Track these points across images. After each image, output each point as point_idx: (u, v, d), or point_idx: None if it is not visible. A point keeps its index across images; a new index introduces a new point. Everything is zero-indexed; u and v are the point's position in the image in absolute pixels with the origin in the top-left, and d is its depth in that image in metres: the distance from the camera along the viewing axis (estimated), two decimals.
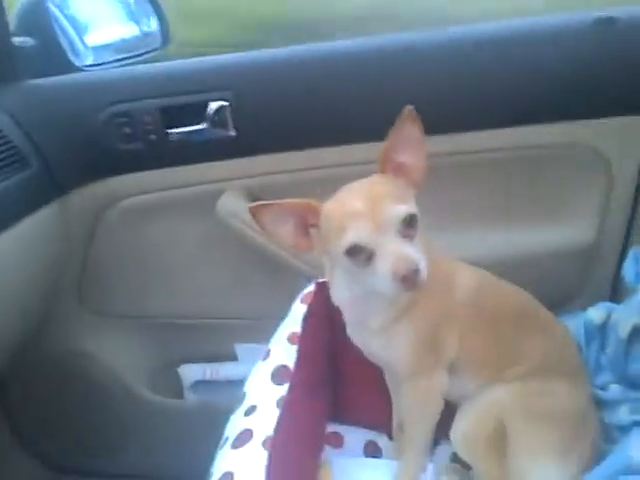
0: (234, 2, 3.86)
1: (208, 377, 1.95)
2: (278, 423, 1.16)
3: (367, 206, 0.96)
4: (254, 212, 1.03)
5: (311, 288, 1.47)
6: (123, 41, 2.09)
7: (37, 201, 1.57)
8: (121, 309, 1.89)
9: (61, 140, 1.63)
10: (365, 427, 1.44)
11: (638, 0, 1.63)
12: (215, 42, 3.26)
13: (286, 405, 1.21)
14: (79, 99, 1.66)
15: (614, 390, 1.30)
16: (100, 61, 1.95)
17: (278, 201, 1.04)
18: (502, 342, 1.21)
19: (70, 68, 1.78)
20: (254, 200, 1.64)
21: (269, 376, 1.28)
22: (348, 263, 0.99)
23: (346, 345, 1.25)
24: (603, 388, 1.33)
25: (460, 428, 1.20)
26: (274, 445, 1.11)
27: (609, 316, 1.37)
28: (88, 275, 1.81)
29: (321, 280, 1.43)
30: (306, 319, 1.40)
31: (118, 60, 1.95)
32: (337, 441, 1.40)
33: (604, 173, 1.62)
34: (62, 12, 1.90)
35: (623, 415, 1.25)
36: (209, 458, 1.16)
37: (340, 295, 1.17)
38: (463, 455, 1.20)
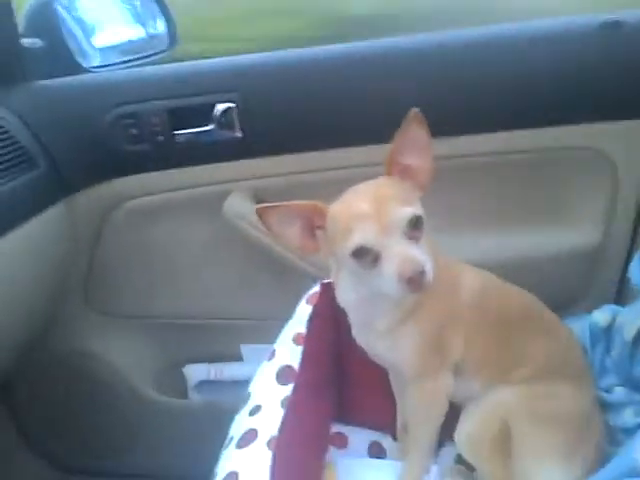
0: None
1: (212, 377, 1.95)
2: (283, 423, 1.17)
3: (373, 208, 0.96)
4: (261, 214, 1.04)
5: (316, 289, 1.47)
6: (130, 43, 2.10)
7: (44, 201, 1.58)
8: (127, 309, 1.89)
9: (68, 141, 1.64)
10: (369, 428, 1.44)
11: None
12: (294, 36, 3.24)
13: (291, 405, 1.21)
14: (86, 100, 1.67)
15: (619, 393, 1.30)
16: (107, 62, 1.96)
17: (284, 203, 1.04)
18: (507, 344, 1.21)
19: (77, 69, 1.79)
20: (260, 201, 1.65)
21: (274, 376, 1.29)
22: (354, 265, 0.99)
23: (351, 346, 1.25)
24: (608, 391, 1.32)
25: (464, 430, 1.20)
26: (279, 445, 1.12)
27: (614, 319, 1.37)
28: (94, 275, 1.82)
29: (326, 281, 1.43)
30: (311, 320, 1.40)
31: (125, 62, 1.95)
32: (341, 442, 1.40)
33: (610, 176, 1.62)
34: (69, 13, 1.91)
35: (628, 418, 1.25)
36: (214, 458, 1.17)
37: (346, 297, 1.17)
38: (467, 457, 1.19)
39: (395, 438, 1.42)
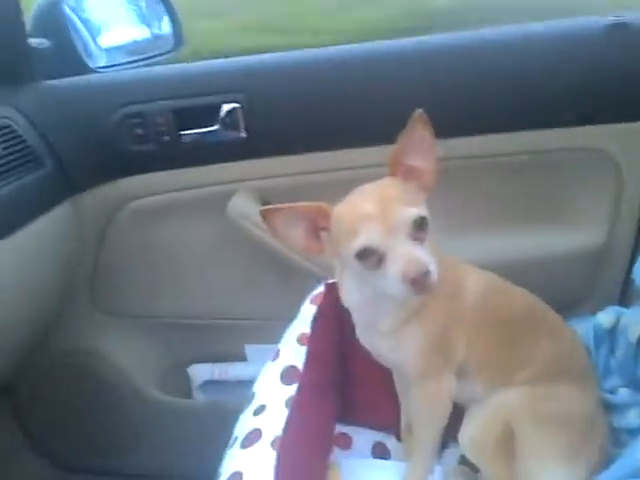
0: None
1: (217, 377, 1.95)
2: (287, 423, 1.17)
3: (378, 209, 0.96)
4: (265, 216, 1.03)
5: (321, 289, 1.47)
6: (136, 43, 2.11)
7: (51, 201, 1.59)
8: (132, 309, 1.90)
9: (75, 140, 1.64)
10: (373, 428, 1.43)
11: None
12: (380, 28, 3.22)
13: (295, 405, 1.21)
14: (93, 100, 1.68)
15: (623, 394, 1.30)
16: (113, 63, 1.97)
17: (289, 205, 1.04)
18: (510, 345, 1.21)
19: (84, 69, 1.80)
20: (265, 201, 1.66)
21: (278, 376, 1.29)
22: (359, 266, 0.99)
23: (355, 346, 1.25)
24: (612, 392, 1.32)
25: (468, 431, 1.19)
26: (283, 445, 1.12)
27: (618, 320, 1.37)
28: (100, 275, 1.82)
29: (330, 281, 1.43)
30: (315, 320, 1.40)
31: (131, 62, 1.96)
32: (345, 442, 1.40)
33: (614, 177, 1.62)
34: (76, 14, 1.92)
35: (632, 419, 1.25)
36: (218, 458, 1.17)
37: (350, 297, 1.17)
38: (471, 458, 1.19)
39: (399, 439, 1.42)
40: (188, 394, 1.97)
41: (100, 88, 1.71)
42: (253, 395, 1.29)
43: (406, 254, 0.95)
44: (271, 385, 1.28)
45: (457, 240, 1.47)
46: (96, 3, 2.05)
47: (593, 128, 1.59)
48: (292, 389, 1.25)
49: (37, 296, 1.63)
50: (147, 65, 1.94)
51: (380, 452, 1.40)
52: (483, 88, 1.58)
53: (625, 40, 1.54)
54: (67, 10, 1.84)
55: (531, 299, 1.28)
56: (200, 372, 1.96)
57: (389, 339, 1.16)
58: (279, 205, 1.05)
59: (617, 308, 1.42)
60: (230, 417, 1.26)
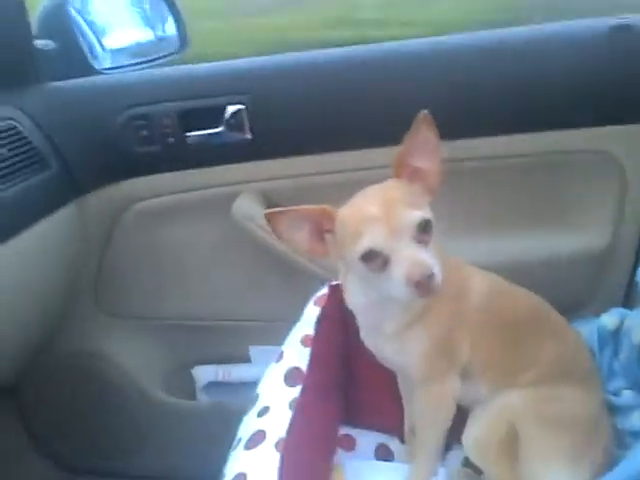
0: None
1: (221, 379, 1.95)
2: (291, 425, 1.17)
3: (382, 211, 0.96)
4: (270, 218, 1.03)
5: (324, 291, 1.47)
6: (140, 45, 2.11)
7: (56, 202, 1.59)
8: (136, 311, 1.90)
9: (80, 142, 1.65)
10: (377, 430, 1.44)
11: None
12: (470, 20, 3.20)
13: (299, 407, 1.21)
14: (98, 102, 1.69)
15: (627, 396, 1.30)
16: (118, 64, 1.98)
17: (293, 207, 1.04)
18: (514, 347, 1.21)
19: (89, 71, 1.80)
20: (269, 203, 1.66)
21: (282, 378, 1.29)
22: (363, 268, 0.99)
23: (359, 348, 1.25)
24: (616, 394, 1.32)
25: (472, 433, 1.20)
26: (286, 447, 1.12)
27: (622, 322, 1.37)
28: (104, 276, 1.83)
29: (334, 283, 1.43)
30: (319, 322, 1.40)
31: (137, 63, 1.97)
32: (349, 444, 1.40)
33: (618, 179, 1.62)
34: (82, 16, 1.93)
35: (636, 421, 1.25)
36: (222, 459, 1.17)
37: (354, 300, 1.17)
38: (475, 460, 1.19)
39: (403, 441, 1.42)
40: (192, 395, 1.97)
41: (106, 90, 1.72)
42: (257, 396, 1.29)
43: (410, 257, 0.95)
44: (275, 387, 1.29)
45: (461, 242, 1.47)
46: (101, 5, 2.07)
47: (597, 130, 1.59)
48: (296, 391, 1.25)
49: (42, 297, 1.63)
50: (152, 67, 1.95)
51: (384, 454, 1.40)
52: (487, 90, 1.58)
53: (628, 42, 1.54)
54: (72, 12, 1.85)
55: (535, 301, 1.28)
56: (204, 373, 1.96)
57: (393, 342, 1.16)
58: (283, 208, 1.05)
59: (621, 310, 1.42)
60: (234, 418, 1.26)
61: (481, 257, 1.35)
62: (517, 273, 1.27)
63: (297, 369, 1.30)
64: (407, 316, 1.13)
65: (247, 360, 1.89)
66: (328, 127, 1.63)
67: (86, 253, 1.76)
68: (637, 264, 1.64)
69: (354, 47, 1.68)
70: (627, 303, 1.65)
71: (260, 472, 1.08)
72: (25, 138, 1.54)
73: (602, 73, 1.55)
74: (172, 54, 2.02)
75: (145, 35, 2.15)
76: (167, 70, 1.81)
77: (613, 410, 1.29)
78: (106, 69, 1.89)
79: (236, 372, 1.93)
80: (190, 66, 1.75)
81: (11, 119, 1.54)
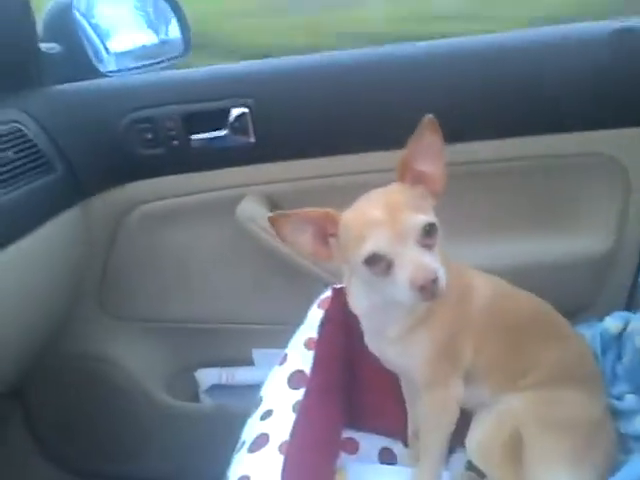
0: None
1: (224, 381, 1.96)
2: (294, 428, 1.17)
3: (386, 215, 0.96)
4: (273, 222, 1.04)
5: (328, 294, 1.47)
6: (143, 48, 2.12)
7: (60, 205, 1.60)
8: (140, 313, 1.91)
9: (85, 145, 1.65)
10: (380, 434, 1.44)
11: None
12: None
13: (302, 410, 1.21)
14: (103, 105, 1.69)
15: (630, 400, 1.30)
16: (122, 67, 1.99)
17: (297, 211, 1.04)
18: (518, 350, 1.21)
19: (94, 74, 1.81)
20: (273, 206, 1.67)
21: (285, 381, 1.29)
22: (367, 272, 0.99)
23: (363, 352, 1.26)
24: (619, 398, 1.32)
25: (475, 436, 1.20)
26: (290, 450, 1.12)
27: (626, 325, 1.38)
28: (108, 279, 1.83)
29: (338, 286, 1.44)
30: (323, 325, 1.40)
31: (142, 66, 1.98)
32: (352, 447, 1.41)
33: (621, 182, 1.62)
34: (86, 19, 1.93)
35: (639, 425, 1.25)
36: (226, 462, 1.17)
37: (358, 304, 1.17)
38: (478, 463, 1.19)
39: (406, 444, 1.42)
40: (195, 398, 1.97)
41: (110, 93, 1.72)
42: (260, 399, 1.29)
43: (414, 260, 0.95)
44: (278, 389, 1.29)
45: (463, 245, 1.47)
46: (106, 8, 2.07)
47: (600, 133, 1.59)
48: (299, 393, 1.25)
49: (46, 300, 1.64)
50: (157, 70, 1.96)
51: (387, 457, 1.41)
52: (489, 93, 1.58)
53: (631, 44, 1.54)
54: (77, 15, 1.86)
55: (539, 304, 1.28)
56: (207, 376, 1.96)
57: (397, 345, 1.17)
58: (287, 211, 1.05)
59: (624, 313, 1.43)
60: (237, 421, 1.26)
61: (483, 261, 1.35)
62: (520, 276, 1.27)
63: (300, 372, 1.30)
64: (410, 320, 1.13)
65: (251, 363, 1.89)
66: (331, 130, 1.63)
67: (90, 256, 1.77)
68: None
69: (357, 51, 1.68)
70: (630, 306, 1.64)
71: (263, 475, 1.09)
72: (30, 141, 1.54)
73: (605, 76, 1.55)
74: (176, 57, 2.03)
75: (149, 38, 2.16)
76: (171, 73, 1.82)
77: (616, 414, 1.29)
78: (111, 72, 1.90)
79: (240, 375, 1.93)
80: (194, 69, 1.75)
81: (16, 122, 1.54)
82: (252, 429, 1.21)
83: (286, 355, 1.37)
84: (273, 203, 1.69)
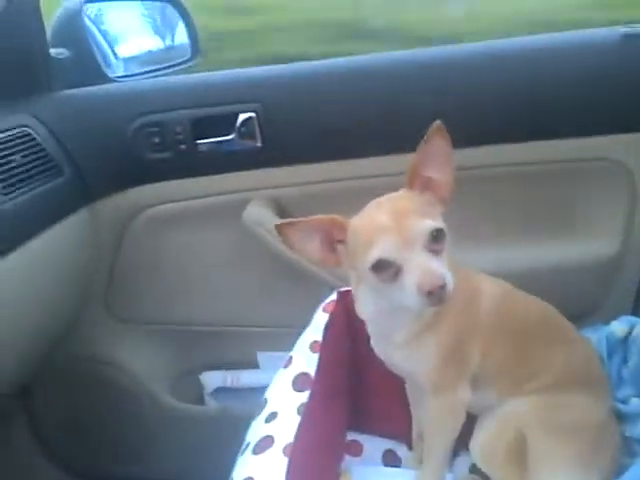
0: None
1: (229, 384, 1.95)
2: (298, 430, 1.17)
3: (394, 221, 0.96)
4: (281, 230, 1.03)
5: (333, 297, 1.47)
6: (152, 53, 2.14)
7: (68, 208, 1.61)
8: (146, 317, 1.91)
9: (93, 149, 1.66)
10: (384, 436, 1.44)
11: None
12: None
13: (306, 412, 1.21)
14: (111, 109, 1.70)
15: (635, 403, 1.30)
16: (130, 72, 2.00)
17: (304, 218, 1.04)
18: (524, 353, 1.21)
19: (103, 79, 1.82)
20: (280, 210, 1.67)
21: (290, 383, 1.29)
22: (374, 279, 0.99)
23: (368, 355, 1.26)
24: (624, 401, 1.32)
25: (479, 439, 1.20)
26: (294, 452, 1.12)
27: (631, 330, 1.37)
28: (115, 282, 1.84)
29: (343, 289, 1.44)
30: (327, 328, 1.40)
31: (150, 71, 1.99)
32: (356, 450, 1.41)
33: (628, 187, 1.62)
34: (95, 25, 1.95)
35: None
36: (230, 464, 1.17)
37: (365, 309, 1.17)
38: (482, 466, 1.19)
39: (410, 447, 1.42)
40: (200, 401, 1.97)
41: (118, 97, 1.73)
42: (265, 402, 1.29)
43: (422, 266, 0.94)
44: (283, 392, 1.29)
45: (470, 250, 1.47)
46: (115, 14, 2.09)
47: (607, 138, 1.59)
48: (304, 396, 1.25)
49: (53, 302, 1.64)
50: (165, 75, 1.97)
51: (391, 460, 1.41)
52: (497, 98, 1.59)
53: (639, 50, 1.54)
54: (87, 21, 1.88)
55: (545, 308, 1.28)
56: (212, 379, 1.96)
57: (404, 350, 1.17)
58: (294, 219, 1.05)
59: (630, 318, 1.42)
60: (242, 424, 1.26)
61: (490, 265, 1.36)
62: (526, 281, 1.27)
63: (305, 374, 1.30)
64: (418, 325, 1.13)
65: (255, 366, 1.89)
66: (338, 135, 1.64)
67: (97, 259, 1.78)
68: None
69: (364, 56, 1.69)
70: (637, 310, 1.64)
71: (268, 477, 1.08)
72: (39, 145, 1.56)
73: (613, 82, 1.56)
74: (185, 62, 2.05)
75: (158, 44, 2.18)
76: (179, 78, 1.83)
77: (621, 418, 1.28)
78: (119, 77, 1.91)
79: (244, 377, 1.93)
80: (202, 74, 1.77)
81: (25, 126, 1.55)
82: (257, 431, 1.21)
83: (291, 358, 1.37)
84: (279, 207, 1.70)
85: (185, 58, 2.05)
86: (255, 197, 1.69)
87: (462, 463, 1.33)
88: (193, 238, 1.80)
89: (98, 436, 1.96)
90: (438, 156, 1.03)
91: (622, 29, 1.56)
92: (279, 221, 1.06)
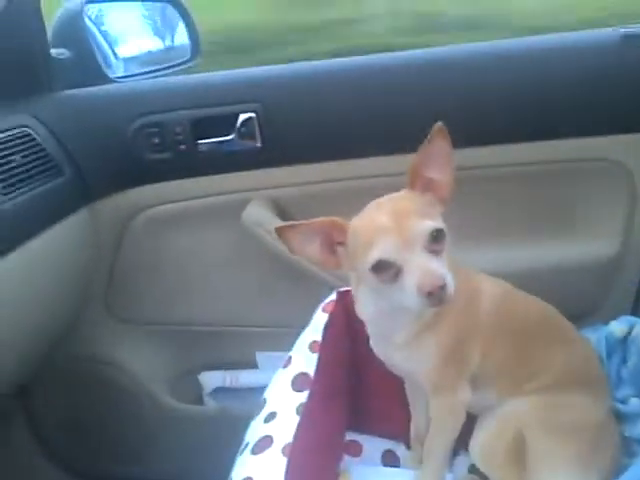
0: None
1: (228, 384, 1.96)
2: (297, 430, 1.17)
3: (394, 222, 0.96)
4: (281, 233, 1.03)
5: (333, 297, 1.47)
6: (152, 54, 2.15)
7: (68, 208, 1.61)
8: (146, 317, 1.91)
9: (93, 149, 1.67)
10: (384, 436, 1.44)
11: None
12: None
13: (306, 412, 1.21)
14: (112, 110, 1.70)
15: (634, 403, 1.30)
16: (130, 73, 2.01)
17: (304, 221, 1.04)
18: (524, 354, 1.22)
19: (103, 79, 1.83)
20: (279, 210, 1.67)
21: (289, 383, 1.29)
22: (374, 280, 0.99)
23: (368, 355, 1.26)
24: (624, 401, 1.32)
25: (479, 439, 1.20)
26: (293, 452, 1.12)
27: (631, 330, 1.37)
28: (115, 283, 1.84)
29: (342, 289, 1.44)
30: (327, 328, 1.40)
31: (150, 72, 2.00)
32: (355, 450, 1.41)
33: (628, 187, 1.62)
34: (96, 25, 1.96)
35: None
36: (229, 463, 1.17)
37: (365, 310, 1.17)
38: (481, 466, 1.20)
39: (409, 447, 1.42)
40: (199, 401, 1.98)
41: (119, 98, 1.74)
42: (264, 402, 1.29)
43: (422, 266, 0.95)
44: (282, 392, 1.29)
45: (470, 250, 1.47)
46: (116, 15, 2.10)
47: (607, 138, 1.59)
48: (303, 396, 1.25)
49: (53, 302, 1.65)
50: (165, 75, 1.97)
51: (390, 460, 1.41)
52: (497, 98, 1.59)
53: (639, 50, 1.55)
54: (87, 21, 1.88)
55: (545, 308, 1.28)
56: (211, 379, 1.96)
57: (404, 351, 1.17)
58: (294, 222, 1.05)
59: (630, 318, 1.42)
60: (241, 424, 1.26)
61: (490, 265, 1.36)
62: (526, 281, 1.28)
63: (305, 375, 1.30)
64: (418, 325, 1.13)
65: (254, 366, 1.89)
66: (338, 135, 1.64)
67: (97, 259, 1.78)
68: None
69: (365, 57, 1.69)
70: (636, 311, 1.64)
71: (267, 477, 1.09)
72: (39, 145, 1.56)
73: (613, 82, 1.56)
74: (185, 63, 2.05)
75: (158, 44, 2.18)
76: (180, 78, 1.83)
77: (621, 418, 1.28)
78: (119, 77, 1.91)
79: (243, 378, 1.93)
80: (202, 74, 1.77)
81: (25, 126, 1.56)
82: (256, 431, 1.21)
83: (290, 358, 1.37)
84: (279, 207, 1.70)
85: (185, 58, 2.06)
86: (255, 197, 1.69)
87: (461, 463, 1.34)
88: (193, 238, 1.80)
89: (98, 436, 1.96)
90: (439, 157, 1.03)
91: (622, 29, 1.56)
92: (279, 224, 1.06)
